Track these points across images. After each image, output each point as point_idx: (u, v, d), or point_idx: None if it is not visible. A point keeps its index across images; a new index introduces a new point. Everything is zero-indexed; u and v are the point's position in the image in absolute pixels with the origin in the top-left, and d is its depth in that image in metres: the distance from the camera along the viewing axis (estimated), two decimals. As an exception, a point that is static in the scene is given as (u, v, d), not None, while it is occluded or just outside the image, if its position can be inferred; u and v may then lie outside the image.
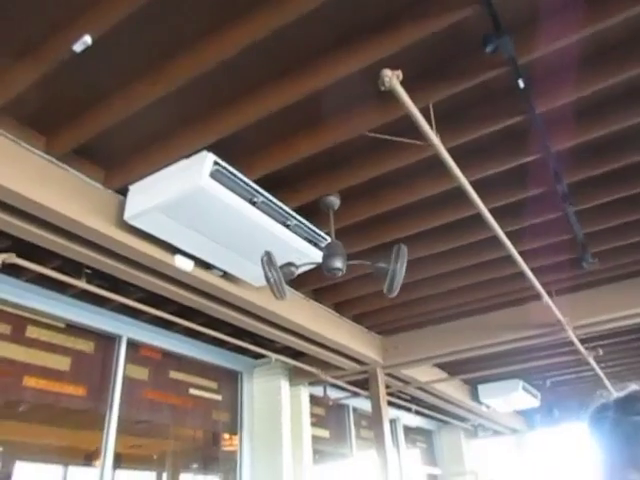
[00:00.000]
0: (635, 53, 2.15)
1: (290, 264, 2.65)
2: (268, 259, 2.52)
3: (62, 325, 3.70)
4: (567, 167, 2.76)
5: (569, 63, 2.19)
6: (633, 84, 2.29)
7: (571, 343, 4.46)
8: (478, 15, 1.89)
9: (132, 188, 2.50)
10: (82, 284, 3.11)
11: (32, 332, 3.52)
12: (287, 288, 2.62)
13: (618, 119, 2.45)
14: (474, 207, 2.59)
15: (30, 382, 3.42)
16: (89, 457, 3.87)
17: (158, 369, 4.34)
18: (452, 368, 5.91)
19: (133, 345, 4.13)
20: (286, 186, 2.83)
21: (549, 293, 3.82)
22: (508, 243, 2.93)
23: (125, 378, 3.98)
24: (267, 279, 2.54)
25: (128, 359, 4.05)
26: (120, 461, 3.91)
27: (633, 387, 0.98)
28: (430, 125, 2.06)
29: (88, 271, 3.12)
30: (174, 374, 4.48)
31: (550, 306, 3.79)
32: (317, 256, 2.79)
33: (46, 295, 3.52)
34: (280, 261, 2.60)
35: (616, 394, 0.99)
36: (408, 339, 4.82)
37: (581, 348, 4.69)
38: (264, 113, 2.23)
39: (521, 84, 2.16)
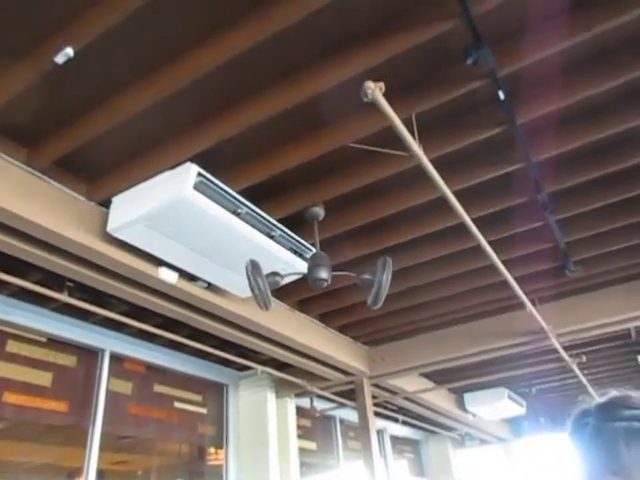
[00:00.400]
0: (617, 63, 2.20)
1: (275, 273, 2.65)
2: (253, 268, 2.51)
3: (43, 339, 3.64)
4: (548, 176, 2.80)
5: (551, 74, 2.23)
6: (614, 93, 2.34)
7: (555, 350, 4.50)
8: (460, 28, 1.92)
9: (115, 200, 2.49)
10: (64, 297, 3.07)
11: (12, 347, 3.46)
12: (272, 299, 2.61)
13: (599, 129, 2.50)
14: (457, 217, 2.61)
15: (10, 398, 3.36)
16: (72, 475, 3.80)
17: (142, 383, 4.30)
18: (438, 377, 5.93)
19: (116, 359, 4.08)
20: (270, 197, 2.84)
21: (532, 301, 3.86)
22: (491, 252, 2.97)
23: (108, 392, 3.93)
24: (252, 288, 2.53)
25: (111, 373, 4.00)
26: (103, 478, 3.84)
27: (613, 393, 0.99)
28: (413, 136, 2.08)
29: (70, 284, 3.08)
30: (158, 387, 4.44)
31: (534, 314, 3.83)
32: (302, 267, 2.79)
33: (27, 309, 3.47)
34: (265, 272, 2.60)
35: (597, 400, 1.00)
36: (394, 349, 4.83)
37: (565, 355, 4.74)
38: (248, 124, 2.24)
39: (501, 96, 2.20)
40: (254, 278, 2.51)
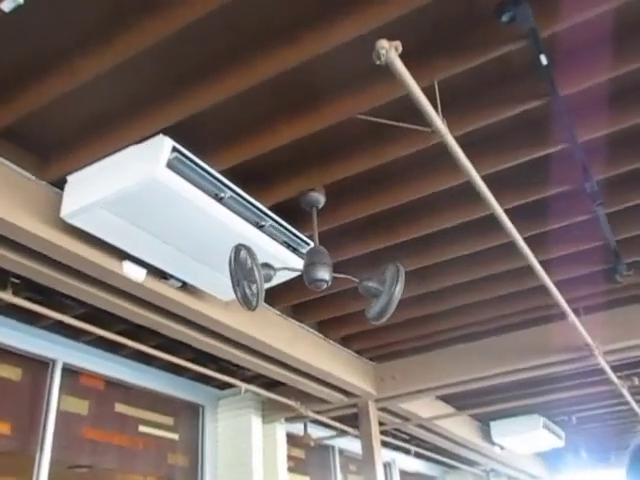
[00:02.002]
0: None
1: (267, 265, 2.62)
2: (245, 252, 2.44)
3: (-19, 347, 3.67)
4: (597, 160, 2.81)
5: (600, 37, 2.23)
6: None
7: (602, 371, 4.52)
8: (492, -22, 1.93)
9: (71, 179, 2.49)
10: (7, 297, 3.07)
11: (-56, 356, 3.49)
12: (264, 305, 2.61)
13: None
14: (487, 207, 2.62)
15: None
16: (14, 510, 3.83)
17: (101, 401, 4.31)
18: (459, 401, 5.95)
19: (70, 372, 4.09)
20: (260, 179, 2.84)
21: (576, 311, 3.87)
22: (527, 251, 2.97)
23: (60, 412, 3.94)
24: (236, 281, 2.49)
25: (64, 389, 4.02)
26: (53, 515, 3.87)
27: None
28: (435, 108, 2.08)
29: (15, 281, 3.09)
30: (121, 408, 4.45)
31: (577, 327, 3.84)
32: (297, 264, 2.80)
33: (-38, 310, 3.49)
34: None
35: None
36: (407, 366, 4.85)
37: (613, 377, 4.76)
38: (235, 91, 2.24)
39: (543, 60, 2.20)
40: (247, 266, 2.43)
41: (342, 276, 2.76)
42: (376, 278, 2.66)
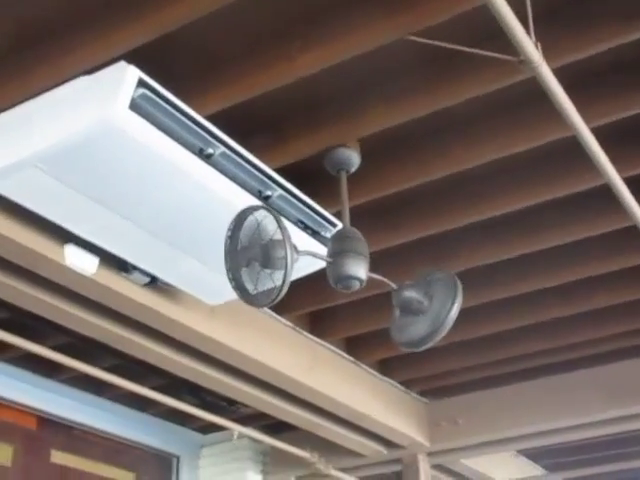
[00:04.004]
0: None
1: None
2: (252, 219, 2.35)
3: None
4: None
5: None
6: None
7: None
8: None
9: (-11, 125, 2.49)
10: None
11: None
12: (265, 312, 2.59)
13: None
14: (597, 173, 2.60)
15: None
16: None
17: (31, 448, 4.34)
18: (550, 459, 5.94)
19: (-14, 405, 4.14)
20: (265, 129, 2.84)
21: None
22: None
23: (-29, 462, 3.99)
24: (236, 265, 2.38)
25: (-23, 429, 4.07)
26: None
27: None
28: (525, 27, 2.05)
29: None
30: (59, 457, 4.49)
31: None
32: (319, 253, 2.78)
33: None
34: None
35: None
36: (475, 405, 4.86)
37: None
38: (220, 4, 2.21)
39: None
40: (262, 239, 2.31)
41: (377, 277, 2.74)
42: (420, 287, 2.65)
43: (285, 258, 2.27)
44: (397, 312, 2.79)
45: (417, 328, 2.67)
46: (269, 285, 2.35)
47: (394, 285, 2.72)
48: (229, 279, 2.42)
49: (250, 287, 2.39)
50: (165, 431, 5.03)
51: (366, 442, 4.72)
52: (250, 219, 2.36)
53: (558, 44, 2.43)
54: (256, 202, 2.59)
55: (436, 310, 2.63)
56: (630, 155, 2.97)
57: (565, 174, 3.13)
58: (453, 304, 2.62)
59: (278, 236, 2.28)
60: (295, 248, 2.39)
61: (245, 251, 2.37)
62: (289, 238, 2.28)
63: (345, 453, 4.89)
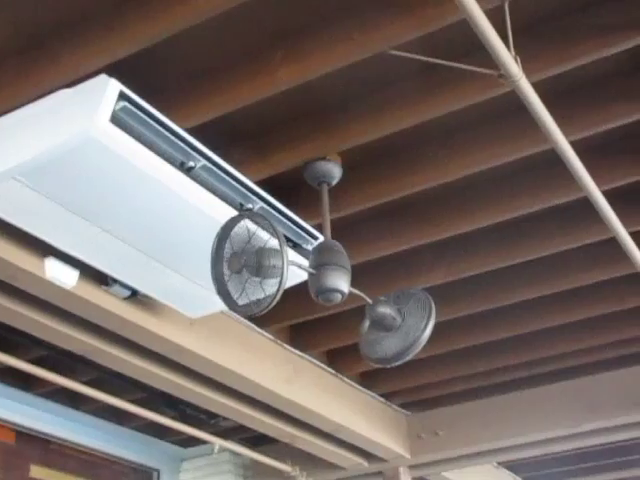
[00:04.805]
0: None
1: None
2: (241, 226, 2.35)
3: None
4: None
5: None
6: None
7: None
8: None
9: (-31, 138, 2.48)
10: None
11: None
12: (246, 324, 2.59)
13: None
14: (578, 187, 2.62)
15: None
16: None
17: (9, 463, 4.31)
18: (532, 471, 5.95)
19: (-36, 419, 4.11)
20: (246, 142, 2.85)
21: None
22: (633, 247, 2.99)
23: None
24: (223, 274, 2.36)
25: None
26: None
27: None
28: (505, 42, 2.07)
29: None
30: (38, 471, 4.46)
31: None
32: (303, 265, 2.78)
33: None
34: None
35: None
36: (456, 417, 4.86)
37: None
38: (214, 12, 2.22)
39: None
40: (254, 246, 2.30)
41: (354, 291, 2.74)
42: (394, 304, 2.66)
43: (282, 266, 2.26)
44: (366, 326, 2.79)
45: (388, 344, 2.68)
46: (258, 294, 2.34)
47: (369, 300, 2.72)
48: (215, 286, 2.40)
49: (236, 295, 2.37)
50: (145, 445, 5.01)
51: (347, 455, 4.72)
52: (241, 226, 2.35)
53: (538, 58, 2.45)
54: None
55: (408, 327, 2.64)
56: (609, 168, 2.99)
57: (545, 186, 3.15)
58: (428, 323, 2.64)
59: (271, 244, 2.28)
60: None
61: (234, 258, 2.36)
62: (285, 246, 2.28)
63: (326, 466, 4.88)
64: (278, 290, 2.28)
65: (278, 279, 2.28)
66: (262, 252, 2.31)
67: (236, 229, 2.35)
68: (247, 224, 2.35)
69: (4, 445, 4.31)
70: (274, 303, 2.30)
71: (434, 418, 4.91)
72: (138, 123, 2.26)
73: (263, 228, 2.31)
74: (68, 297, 2.97)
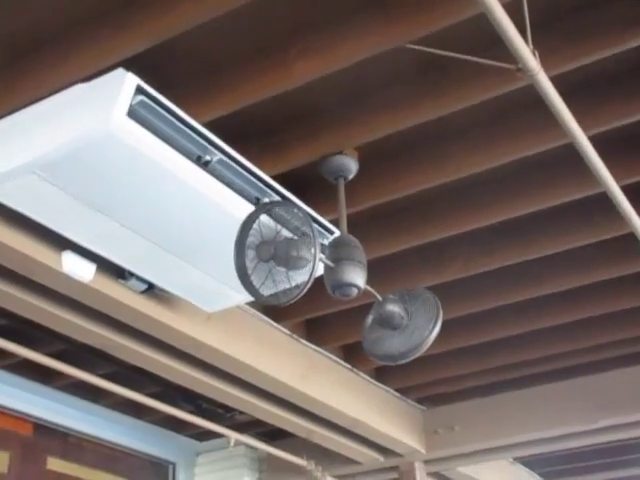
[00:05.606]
0: None
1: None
2: (269, 216, 2.37)
3: None
4: None
5: None
6: None
7: None
8: None
9: (-14, 132, 2.49)
10: None
11: None
12: (261, 317, 2.58)
13: None
14: (596, 182, 2.60)
15: None
16: None
17: (27, 455, 4.33)
18: (548, 466, 5.92)
19: (-20, 412, 4.13)
20: (262, 136, 2.84)
21: None
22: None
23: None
24: (246, 267, 2.37)
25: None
26: None
27: None
28: (523, 36, 2.05)
29: None
30: (55, 464, 4.48)
31: None
32: (323, 258, 2.77)
33: None
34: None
35: None
36: (472, 413, 4.85)
37: None
38: (223, 9, 2.22)
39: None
40: (282, 238, 2.31)
41: (368, 288, 2.75)
42: (402, 302, 2.65)
43: (313, 257, 2.29)
44: (369, 323, 2.78)
45: (393, 342, 2.67)
46: (284, 284, 2.36)
47: (379, 297, 2.71)
48: (240, 277, 2.40)
49: (259, 284, 2.38)
50: (161, 438, 5.02)
51: (362, 449, 4.71)
52: (269, 216, 2.37)
53: (556, 52, 2.44)
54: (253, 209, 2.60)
55: (414, 328, 2.63)
56: (628, 163, 2.97)
57: (560, 182, 3.13)
58: (435, 326, 2.63)
59: (299, 235, 2.30)
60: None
61: (264, 247, 2.37)
62: (317, 238, 2.30)
63: (341, 461, 4.88)
64: (308, 280, 2.30)
65: (308, 270, 2.30)
66: (291, 243, 2.33)
67: (263, 219, 2.36)
68: (274, 214, 2.36)
69: (22, 437, 4.33)
70: (303, 293, 2.33)
71: (450, 413, 4.91)
72: (155, 117, 2.26)
73: (293, 219, 2.32)
74: (85, 291, 2.98)
